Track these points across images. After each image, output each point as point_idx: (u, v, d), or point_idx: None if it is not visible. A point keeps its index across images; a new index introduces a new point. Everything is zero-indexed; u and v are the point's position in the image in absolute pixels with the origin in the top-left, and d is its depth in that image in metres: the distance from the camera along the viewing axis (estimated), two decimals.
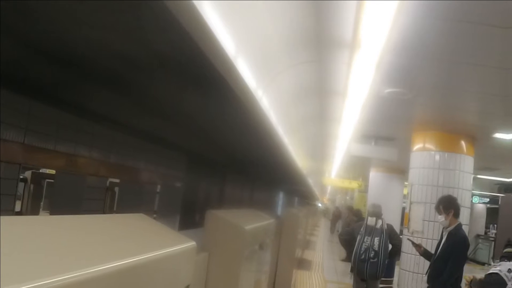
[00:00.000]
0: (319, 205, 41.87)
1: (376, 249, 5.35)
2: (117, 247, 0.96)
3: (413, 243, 4.71)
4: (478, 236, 15.94)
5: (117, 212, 4.98)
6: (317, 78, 4.37)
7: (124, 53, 2.48)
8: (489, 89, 3.95)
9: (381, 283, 5.89)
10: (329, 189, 28.03)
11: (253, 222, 2.32)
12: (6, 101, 2.94)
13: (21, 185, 4.90)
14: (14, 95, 3.08)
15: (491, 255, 13.42)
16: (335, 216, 22.44)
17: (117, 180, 5.37)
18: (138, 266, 0.93)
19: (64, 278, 0.67)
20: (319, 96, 5.18)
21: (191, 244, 1.28)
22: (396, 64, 3.54)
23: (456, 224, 4.12)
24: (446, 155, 5.64)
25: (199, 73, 2.66)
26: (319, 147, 9.25)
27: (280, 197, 20.63)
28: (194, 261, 1.34)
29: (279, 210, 16.99)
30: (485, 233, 16.83)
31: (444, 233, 4.22)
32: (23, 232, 0.79)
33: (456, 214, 4.13)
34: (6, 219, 0.75)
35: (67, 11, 1.91)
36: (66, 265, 0.72)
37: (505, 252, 4.09)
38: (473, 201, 16.36)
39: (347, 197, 20.61)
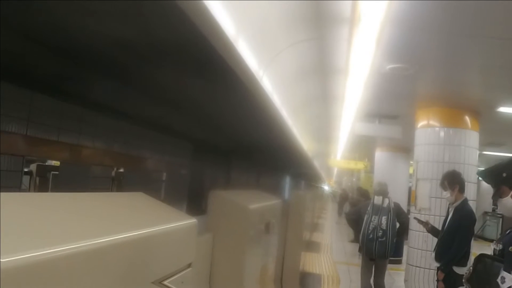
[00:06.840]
0: (326, 187, 41.80)
1: (384, 228, 5.34)
2: (117, 223, 0.96)
3: (419, 220, 4.70)
4: (486, 213, 15.89)
5: None
6: (318, 56, 4.33)
7: (123, 40, 2.47)
8: (492, 61, 3.87)
9: (390, 262, 5.90)
10: (335, 171, 27.99)
11: (257, 202, 2.31)
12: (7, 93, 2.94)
13: (26, 178, 4.96)
14: (15, 87, 3.08)
15: (499, 231, 13.43)
16: (342, 198, 22.48)
17: (122, 170, 5.40)
18: (138, 241, 0.93)
19: (61, 250, 0.70)
20: (320, 75, 5.14)
21: (192, 221, 1.27)
22: (396, 39, 3.47)
23: (462, 199, 4.10)
24: (451, 131, 5.61)
25: (200, 57, 2.64)
26: (323, 128, 9.22)
27: (287, 181, 20.69)
28: (195, 239, 1.34)
29: (286, 193, 17.04)
30: (493, 210, 16.76)
31: (450, 209, 4.20)
32: (27, 207, 0.81)
33: (461, 189, 4.11)
34: (8, 196, 0.76)
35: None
36: (63, 238, 0.74)
37: None
38: (480, 178, 16.23)
39: (354, 179, 20.59)
